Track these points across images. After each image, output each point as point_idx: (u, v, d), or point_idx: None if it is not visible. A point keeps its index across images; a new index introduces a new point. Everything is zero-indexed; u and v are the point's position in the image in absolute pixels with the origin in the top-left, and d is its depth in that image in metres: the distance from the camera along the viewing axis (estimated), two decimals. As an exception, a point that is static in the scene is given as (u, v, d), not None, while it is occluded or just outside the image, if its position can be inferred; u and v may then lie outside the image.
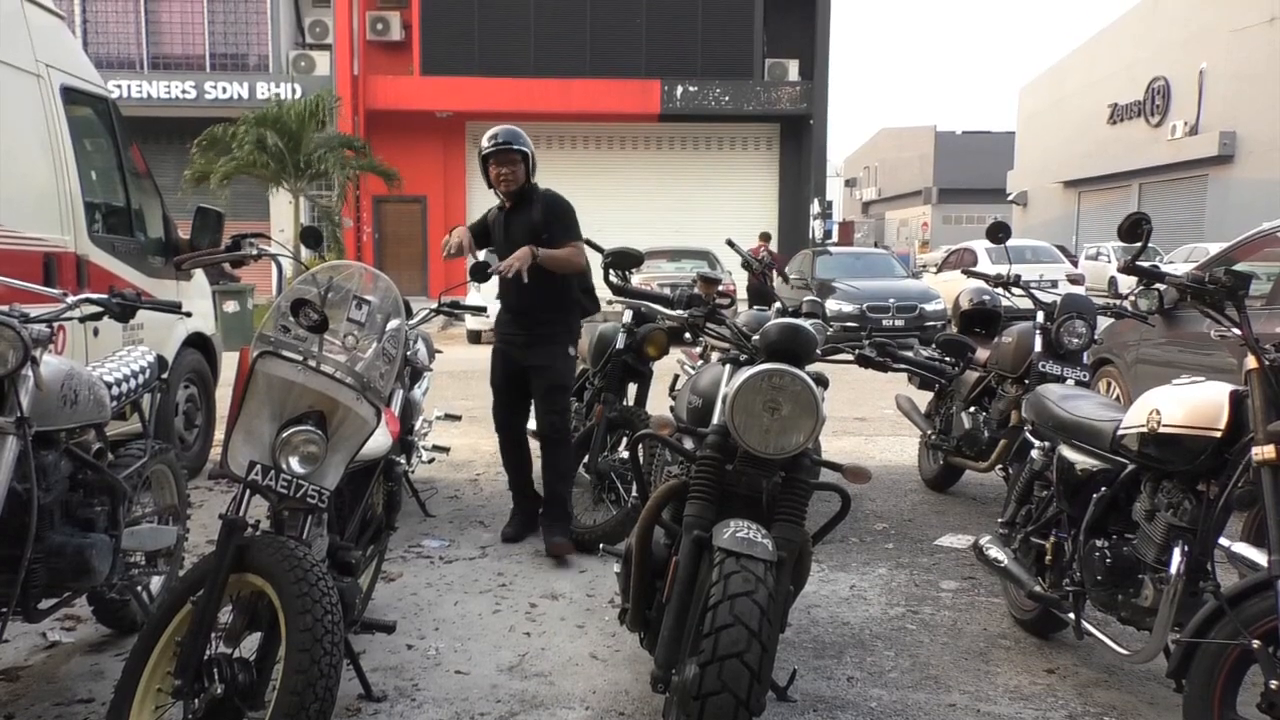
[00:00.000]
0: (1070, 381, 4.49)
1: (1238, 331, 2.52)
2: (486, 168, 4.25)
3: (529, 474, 4.56)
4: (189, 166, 16.94)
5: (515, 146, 4.19)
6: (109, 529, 2.93)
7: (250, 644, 2.37)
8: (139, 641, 2.36)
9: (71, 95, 4.75)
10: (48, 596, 2.79)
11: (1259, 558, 2.67)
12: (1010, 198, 40.13)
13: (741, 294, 13.60)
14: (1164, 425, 2.62)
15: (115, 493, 2.97)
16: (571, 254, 4.28)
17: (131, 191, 5.29)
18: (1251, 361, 2.42)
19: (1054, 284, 15.02)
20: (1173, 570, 2.56)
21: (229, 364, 6.17)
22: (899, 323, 13.23)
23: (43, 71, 4.49)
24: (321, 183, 19.18)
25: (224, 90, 21.83)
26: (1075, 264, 20.97)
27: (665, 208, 22.05)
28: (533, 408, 4.48)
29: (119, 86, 19.83)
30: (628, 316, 4.77)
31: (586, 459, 4.58)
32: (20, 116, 4.35)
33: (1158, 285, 3.46)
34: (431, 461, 5.32)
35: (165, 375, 3.53)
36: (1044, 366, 4.63)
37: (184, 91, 21.74)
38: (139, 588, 3.25)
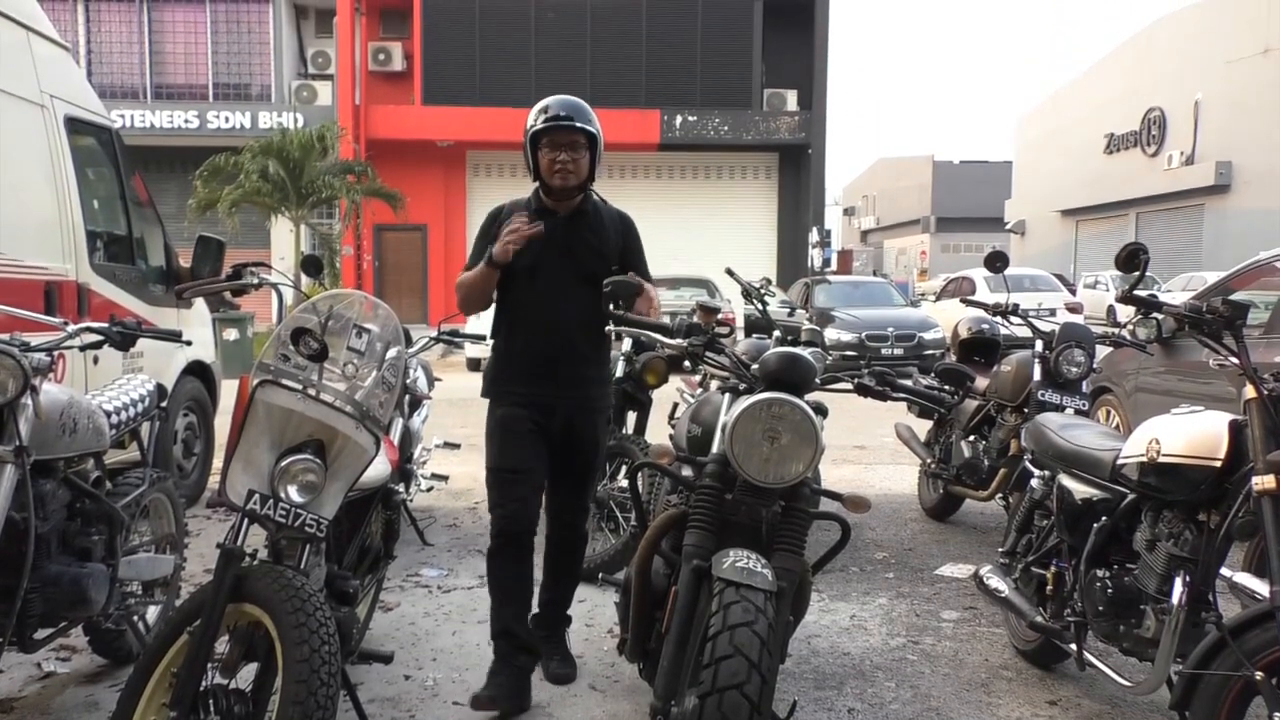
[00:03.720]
0: (1069, 410, 4.49)
1: (1236, 361, 2.53)
2: (535, 152, 3.05)
3: (529, 605, 3.25)
4: (192, 196, 17.05)
5: (580, 124, 3.02)
6: (106, 558, 2.92)
7: (246, 675, 2.35)
8: (134, 672, 2.34)
9: (75, 125, 4.79)
10: (43, 626, 2.78)
11: (1261, 588, 2.66)
12: (1008, 226, 40.32)
13: (741, 323, 13.63)
14: (1164, 455, 2.62)
15: (113, 521, 2.96)
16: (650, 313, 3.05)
17: (133, 220, 5.32)
18: (1250, 391, 2.43)
19: (1052, 313, 14.98)
20: (1174, 601, 2.55)
21: (228, 391, 6.18)
22: (898, 351, 13.23)
23: (47, 102, 4.53)
24: (323, 210, 19.30)
25: (226, 120, 22.00)
26: (1073, 292, 21.05)
27: (665, 236, 22.06)
28: (548, 492, 3.27)
29: (122, 116, 19.98)
30: (627, 345, 4.77)
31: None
32: (24, 147, 4.38)
33: (1156, 314, 3.47)
34: (430, 490, 5.31)
35: (164, 403, 3.54)
36: (1043, 395, 4.63)
37: (187, 121, 21.92)
38: (135, 618, 3.24)
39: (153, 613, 3.39)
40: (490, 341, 3.27)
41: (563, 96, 3.09)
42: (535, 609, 3.33)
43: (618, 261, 3.14)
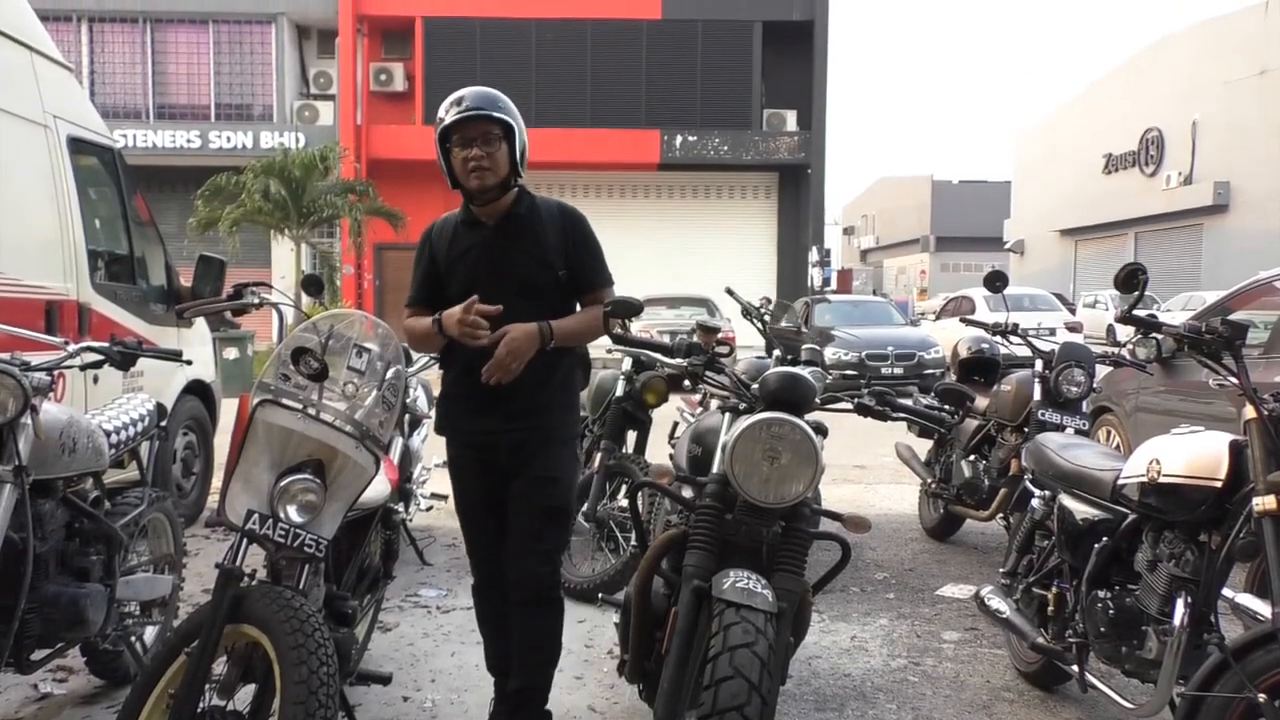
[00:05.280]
0: (1070, 430, 4.49)
1: (1235, 381, 2.53)
2: (447, 151, 2.69)
3: None
4: (194, 215, 17.11)
5: (492, 113, 2.63)
6: (104, 578, 2.91)
7: (245, 696, 2.34)
8: (132, 694, 2.33)
9: (78, 145, 4.81)
10: (41, 647, 2.77)
11: (1263, 609, 2.66)
12: (1007, 246, 40.41)
13: (741, 341, 13.64)
14: (1164, 475, 2.61)
15: (112, 541, 2.96)
16: (593, 320, 2.75)
17: (134, 239, 5.33)
18: (1250, 411, 2.43)
19: (1052, 332, 15.10)
20: (1176, 622, 2.54)
21: (228, 411, 6.17)
22: (898, 371, 13.23)
23: (50, 122, 4.55)
24: (323, 229, 19.35)
25: (228, 140, 22.10)
26: (1073, 312, 21.07)
27: (665, 255, 22.19)
28: (504, 553, 2.80)
29: (125, 136, 20.06)
30: (627, 364, 4.78)
31: (585, 507, 4.55)
32: (27, 167, 4.40)
33: (1155, 334, 3.48)
34: (429, 509, 5.30)
35: (164, 423, 3.53)
36: (1043, 415, 4.63)
37: (189, 141, 22.01)
38: (133, 638, 3.22)
39: (150, 633, 3.37)
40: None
41: (472, 88, 2.70)
42: (501, 700, 2.88)
43: (564, 264, 2.75)
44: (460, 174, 2.66)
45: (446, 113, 2.64)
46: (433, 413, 5.42)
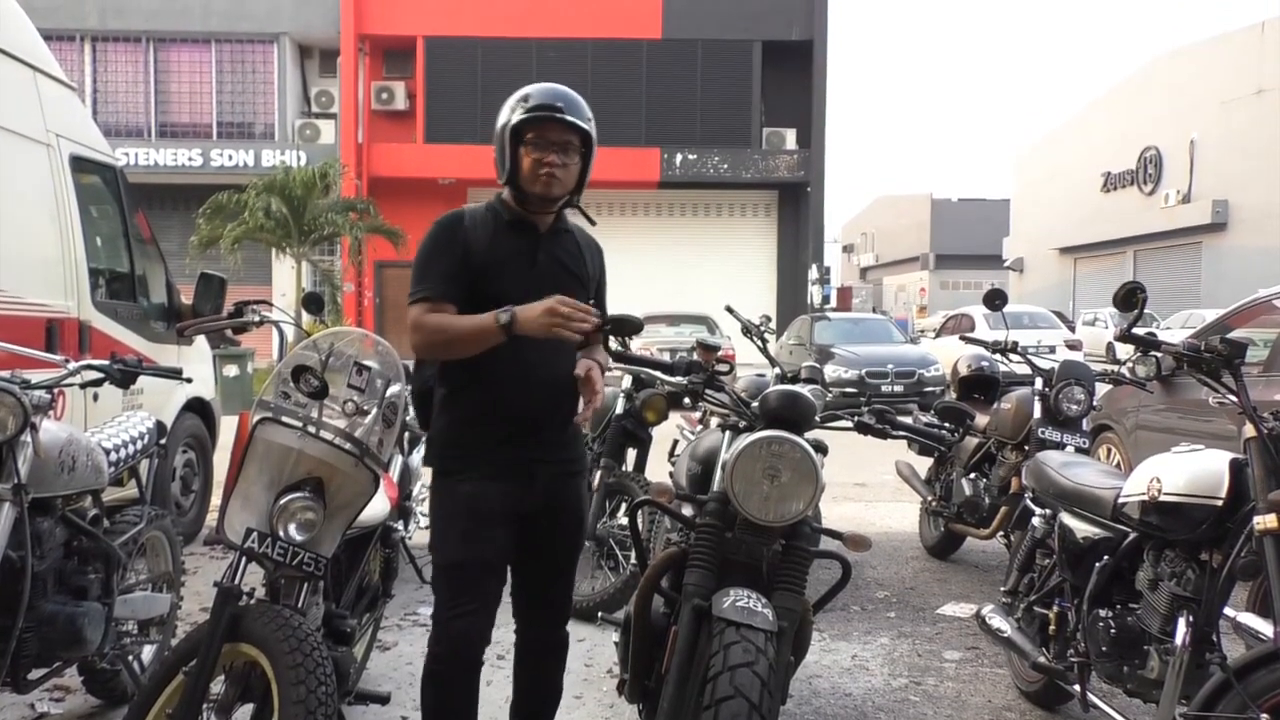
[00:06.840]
0: (1070, 448, 4.49)
1: (1235, 399, 2.53)
2: (517, 145, 2.43)
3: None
4: (195, 233, 17.17)
5: (577, 121, 2.43)
6: (102, 597, 2.90)
7: (243, 716, 2.33)
8: (129, 713, 2.32)
9: (80, 164, 4.83)
10: (38, 666, 2.76)
11: (1265, 628, 2.65)
12: (1007, 264, 40.51)
13: (741, 359, 13.64)
14: (1165, 493, 2.61)
15: (110, 560, 2.95)
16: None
17: (135, 257, 5.35)
18: (1250, 430, 2.43)
19: (1052, 350, 15.11)
20: (1178, 641, 2.53)
21: (227, 428, 6.16)
22: (898, 388, 13.22)
23: (53, 141, 4.57)
24: (324, 247, 19.40)
25: (230, 158, 22.20)
26: (1072, 330, 21.09)
27: (665, 273, 22.24)
28: (519, 586, 2.64)
29: (127, 154, 20.14)
30: (627, 382, 4.78)
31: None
32: (29, 185, 4.41)
33: (1155, 352, 3.48)
34: (429, 528, 5.28)
35: (163, 440, 3.53)
36: (1043, 433, 4.63)
37: (190, 159, 22.11)
38: (130, 657, 3.21)
39: (148, 652, 3.36)
40: (439, 391, 2.57)
41: (553, 85, 2.47)
42: None
43: (595, 290, 2.63)
44: (527, 175, 2.43)
45: (515, 110, 2.42)
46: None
